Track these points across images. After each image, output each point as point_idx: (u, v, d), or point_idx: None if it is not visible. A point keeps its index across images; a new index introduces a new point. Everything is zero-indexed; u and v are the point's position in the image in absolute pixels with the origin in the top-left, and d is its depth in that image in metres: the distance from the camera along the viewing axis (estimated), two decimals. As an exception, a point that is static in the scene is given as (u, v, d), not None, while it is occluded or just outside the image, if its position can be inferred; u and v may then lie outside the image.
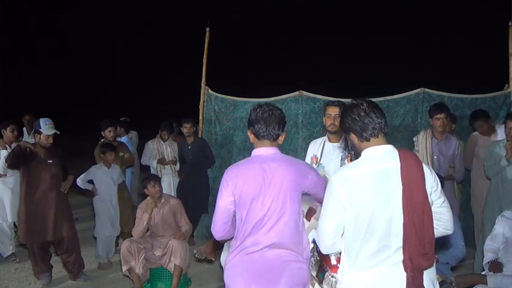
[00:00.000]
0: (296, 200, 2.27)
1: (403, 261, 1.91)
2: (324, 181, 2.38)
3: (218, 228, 2.36)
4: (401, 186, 1.91)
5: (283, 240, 2.23)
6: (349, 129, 2.05)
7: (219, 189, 2.33)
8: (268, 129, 2.28)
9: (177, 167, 6.16)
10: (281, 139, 2.35)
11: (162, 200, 4.46)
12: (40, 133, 4.40)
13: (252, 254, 2.24)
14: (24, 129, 6.86)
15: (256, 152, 2.35)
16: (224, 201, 2.29)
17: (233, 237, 2.39)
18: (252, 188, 2.24)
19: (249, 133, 2.38)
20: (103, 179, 5.05)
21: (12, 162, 4.44)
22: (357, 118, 2.01)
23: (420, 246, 1.90)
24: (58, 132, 4.48)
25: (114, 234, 5.17)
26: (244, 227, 2.27)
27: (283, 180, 2.23)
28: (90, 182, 5.09)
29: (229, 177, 2.29)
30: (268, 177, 2.23)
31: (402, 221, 1.91)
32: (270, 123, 2.28)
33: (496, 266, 3.36)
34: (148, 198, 4.44)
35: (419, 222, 1.90)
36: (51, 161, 4.48)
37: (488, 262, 3.46)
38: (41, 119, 4.46)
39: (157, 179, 4.51)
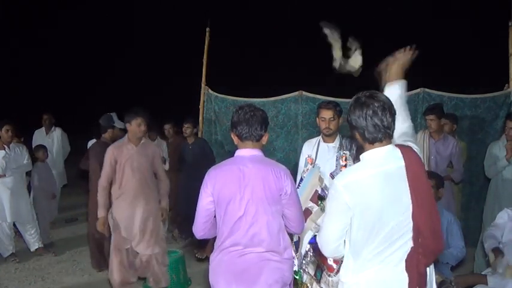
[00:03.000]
0: (274, 201, 2.30)
1: (411, 261, 1.89)
2: (297, 198, 2.39)
3: (199, 227, 2.43)
4: (407, 185, 1.89)
5: (262, 241, 2.28)
6: (354, 126, 1.96)
7: (200, 189, 2.39)
8: (251, 130, 2.32)
9: (166, 166, 6.09)
10: (264, 139, 2.40)
11: (143, 141, 4.07)
12: (114, 127, 4.73)
13: (232, 254, 2.29)
14: (42, 129, 6.83)
15: (238, 152, 2.39)
16: (204, 202, 2.36)
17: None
18: (229, 189, 2.28)
19: (232, 135, 2.41)
20: None
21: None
22: (363, 117, 1.90)
23: (434, 241, 1.90)
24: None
25: None
26: (223, 227, 2.33)
27: (260, 181, 2.27)
28: None
29: (209, 178, 2.35)
30: (245, 178, 2.28)
31: (410, 220, 1.89)
32: (253, 124, 2.32)
33: (498, 252, 3.29)
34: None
35: (429, 219, 1.89)
36: None
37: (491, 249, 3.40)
38: (111, 114, 4.76)
39: (144, 117, 4.00)
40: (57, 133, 6.86)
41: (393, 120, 1.91)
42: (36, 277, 4.76)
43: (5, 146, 5.14)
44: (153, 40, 18.65)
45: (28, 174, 5.71)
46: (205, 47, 6.08)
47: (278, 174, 2.30)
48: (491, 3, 10.40)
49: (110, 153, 3.93)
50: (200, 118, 6.10)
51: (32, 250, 5.37)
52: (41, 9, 18.21)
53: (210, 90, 6.06)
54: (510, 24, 5.21)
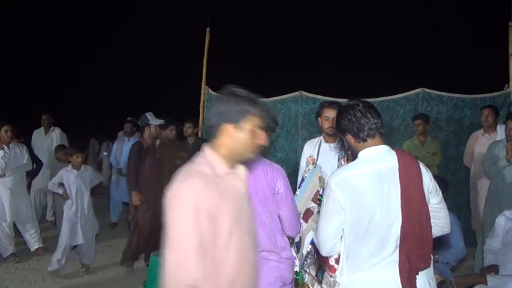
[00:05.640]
0: (268, 200, 2.30)
1: (400, 263, 1.90)
2: (290, 198, 2.40)
3: None
4: (399, 186, 1.90)
5: (259, 241, 2.25)
6: (346, 130, 2.05)
7: None
8: None
9: None
10: None
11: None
12: (149, 125, 4.75)
13: None
14: (41, 129, 6.80)
15: None
16: None
17: None
18: None
19: None
20: (72, 182, 4.67)
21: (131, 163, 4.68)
22: (353, 119, 2.01)
23: (419, 247, 1.89)
24: (163, 122, 4.86)
25: (74, 243, 4.74)
26: None
27: (252, 181, 2.25)
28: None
29: None
30: None
31: (400, 221, 1.89)
32: None
33: (492, 270, 3.30)
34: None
35: (417, 222, 1.89)
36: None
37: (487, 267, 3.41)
38: (146, 113, 4.83)
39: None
40: (56, 133, 6.84)
41: (379, 117, 2.04)
42: (36, 277, 4.75)
43: (5, 146, 5.14)
44: (153, 40, 18.67)
45: (28, 174, 5.70)
46: (205, 47, 6.08)
47: (270, 173, 2.31)
48: (491, 3, 10.40)
49: (194, 195, 1.57)
50: (200, 118, 6.11)
51: (32, 250, 5.38)
52: (41, 10, 18.23)
53: (210, 90, 6.06)
54: (510, 24, 5.21)
